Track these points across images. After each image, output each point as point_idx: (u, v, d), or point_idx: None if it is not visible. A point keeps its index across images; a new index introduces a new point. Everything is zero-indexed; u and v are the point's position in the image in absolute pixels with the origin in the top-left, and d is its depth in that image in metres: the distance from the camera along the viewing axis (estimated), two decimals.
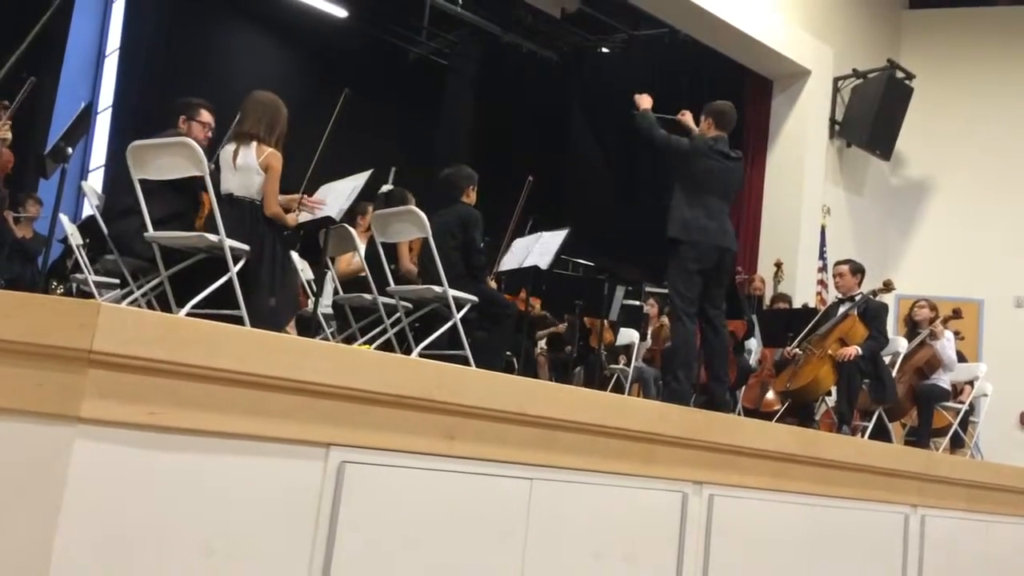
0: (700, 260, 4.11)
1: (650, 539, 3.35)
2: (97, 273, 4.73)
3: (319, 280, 4.68)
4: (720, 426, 3.66)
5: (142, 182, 3.61)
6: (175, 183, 3.69)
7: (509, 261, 5.05)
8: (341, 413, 2.43)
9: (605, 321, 6.10)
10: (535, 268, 4.71)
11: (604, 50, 10.65)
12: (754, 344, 6.61)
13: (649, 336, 7.01)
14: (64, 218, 5.09)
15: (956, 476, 5.00)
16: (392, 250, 4.71)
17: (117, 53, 10.93)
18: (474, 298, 4.28)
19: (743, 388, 6.48)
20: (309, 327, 4.64)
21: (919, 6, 10.01)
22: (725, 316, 4.42)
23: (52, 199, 4.28)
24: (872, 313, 5.71)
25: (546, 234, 4.87)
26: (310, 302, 4.94)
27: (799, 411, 5.96)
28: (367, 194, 4.59)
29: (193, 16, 10.21)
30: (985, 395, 6.65)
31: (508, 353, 5.16)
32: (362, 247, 4.60)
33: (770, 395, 6.42)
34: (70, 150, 4.22)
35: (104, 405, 2.00)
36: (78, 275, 5.04)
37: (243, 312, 3.47)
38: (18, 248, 6.44)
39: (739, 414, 5.96)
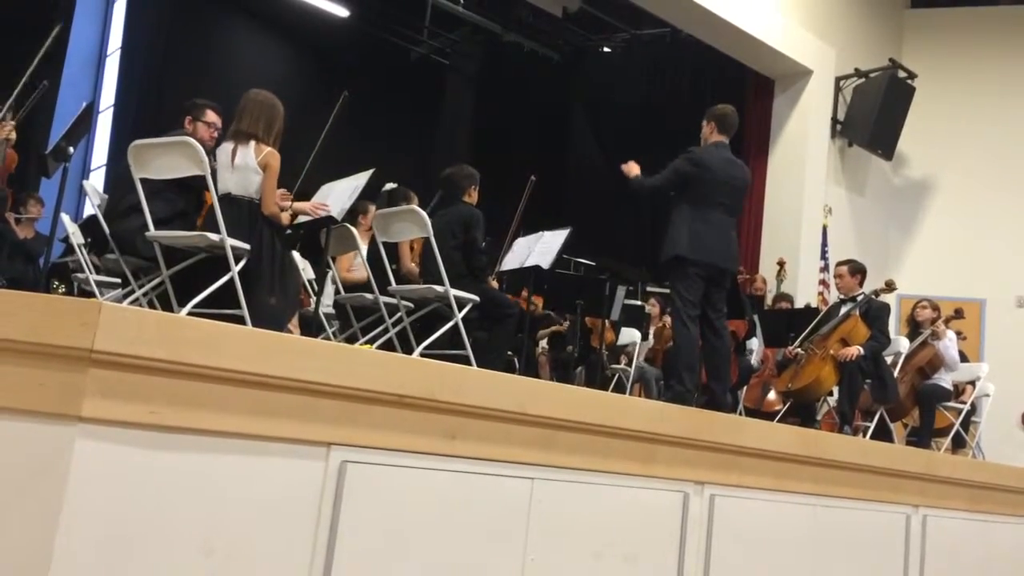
0: (700, 268, 4.12)
1: (651, 539, 3.35)
2: (98, 272, 4.73)
3: (320, 280, 4.68)
4: (721, 426, 3.66)
5: (146, 182, 3.62)
6: (179, 183, 3.70)
7: (510, 261, 5.05)
8: (342, 413, 2.43)
9: (606, 321, 6.09)
10: (536, 268, 4.70)
11: (605, 49, 10.66)
12: (755, 344, 6.61)
13: (651, 336, 7.00)
14: (65, 217, 5.09)
15: (958, 476, 5.00)
16: (393, 250, 4.71)
17: (118, 53, 10.95)
18: (475, 298, 4.27)
19: (744, 388, 6.47)
20: (311, 327, 4.64)
21: (921, 6, 10.00)
22: (726, 318, 4.41)
23: (54, 198, 4.29)
24: (874, 313, 5.70)
25: (547, 234, 4.86)
26: (312, 301, 4.94)
27: (801, 411, 5.95)
28: (369, 194, 4.59)
29: (194, 16, 10.22)
30: (987, 395, 6.64)
31: (509, 353, 5.16)
32: (364, 247, 4.60)
33: (772, 395, 6.41)
34: (71, 149, 4.22)
35: (105, 404, 2.00)
36: (79, 274, 5.04)
37: (244, 311, 3.47)
38: (20, 248, 6.45)
39: (740, 414, 5.96)
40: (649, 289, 7.59)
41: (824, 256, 8.78)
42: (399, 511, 2.56)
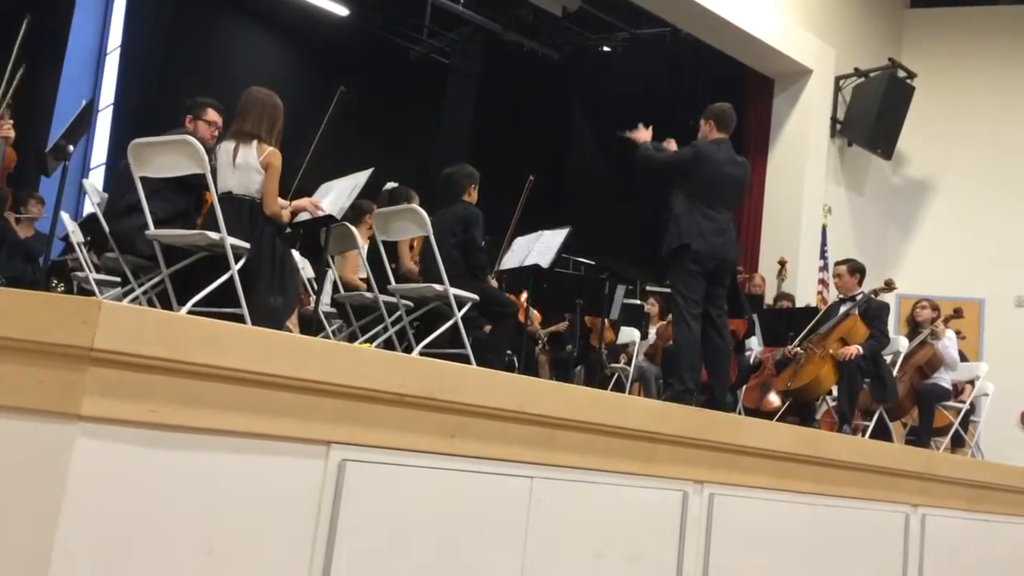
0: (701, 263, 4.13)
1: (651, 538, 3.35)
2: (98, 271, 4.73)
3: (320, 279, 4.68)
4: (721, 425, 3.66)
5: (147, 181, 3.62)
6: (180, 182, 3.69)
7: (510, 260, 5.05)
8: (342, 411, 2.43)
9: (606, 320, 6.09)
10: (536, 267, 4.70)
11: (605, 49, 10.65)
12: (755, 342, 6.61)
13: (655, 333, 6.99)
14: (65, 216, 5.09)
15: (957, 476, 5.00)
16: (392, 249, 4.71)
17: (118, 51, 10.94)
18: (475, 297, 4.28)
19: (744, 387, 6.47)
20: (310, 325, 4.64)
21: (921, 5, 10.00)
22: (727, 316, 4.42)
23: (53, 197, 4.28)
24: (873, 313, 5.70)
25: (547, 233, 4.86)
26: (312, 300, 4.94)
27: (800, 410, 5.95)
28: (369, 193, 4.59)
29: (194, 14, 10.21)
30: (986, 395, 6.65)
31: (508, 352, 5.16)
32: (364, 246, 4.60)
33: (771, 395, 6.41)
34: (71, 148, 4.22)
35: (105, 403, 2.00)
36: (79, 273, 5.04)
37: (244, 310, 3.47)
38: (20, 247, 6.44)
39: (740, 414, 5.96)
40: (649, 288, 7.59)
41: (823, 255, 8.78)
42: (399, 510, 2.56)
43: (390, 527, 2.54)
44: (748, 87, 9.28)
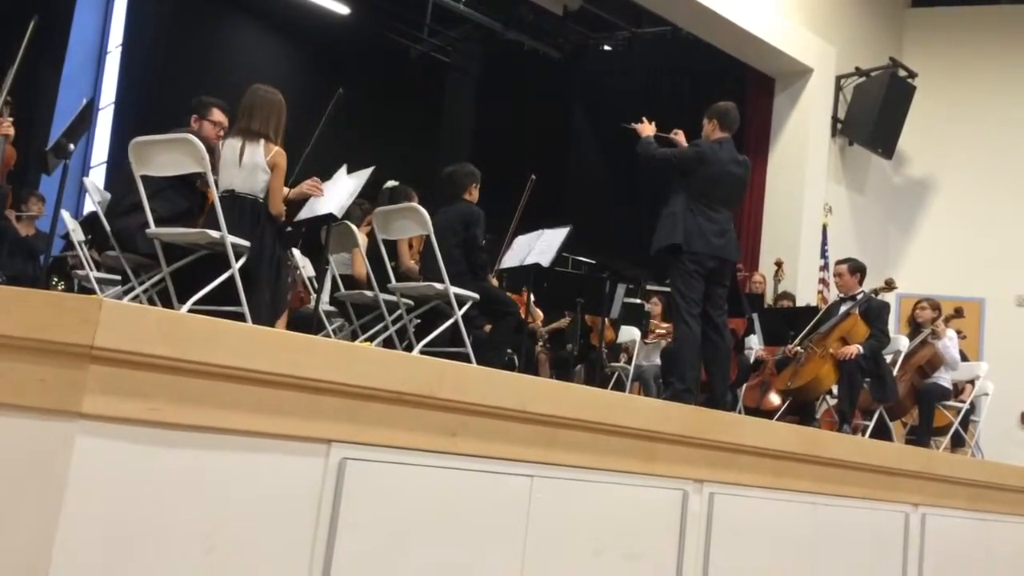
0: (700, 264, 4.12)
1: (651, 537, 3.35)
2: (99, 269, 4.73)
3: (320, 277, 4.68)
4: (721, 424, 3.66)
5: (152, 181, 3.62)
6: (185, 183, 3.69)
7: (510, 259, 5.05)
8: (342, 410, 2.43)
9: (606, 319, 6.09)
10: (536, 266, 4.71)
11: (606, 48, 10.64)
12: (755, 341, 6.61)
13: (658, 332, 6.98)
14: (66, 214, 5.09)
15: (957, 475, 5.00)
16: (392, 248, 4.71)
17: (119, 50, 10.94)
18: (475, 295, 4.28)
19: (744, 386, 6.48)
20: (311, 324, 4.64)
21: (922, 4, 9.99)
22: (727, 316, 4.42)
23: (54, 195, 4.29)
24: (874, 312, 5.70)
25: (547, 232, 4.86)
26: (312, 298, 4.94)
27: (800, 410, 5.95)
28: (370, 192, 4.59)
29: (195, 13, 10.22)
30: (986, 394, 6.65)
31: (509, 351, 5.16)
32: (364, 244, 4.60)
33: (771, 394, 6.41)
34: (72, 146, 4.22)
35: (105, 401, 2.00)
36: (79, 271, 5.04)
37: (244, 309, 3.47)
38: (21, 245, 6.45)
39: (740, 413, 5.96)
40: (650, 288, 7.58)
41: (824, 255, 8.77)
42: (399, 508, 2.56)
43: (390, 525, 2.54)
44: (749, 86, 9.27)
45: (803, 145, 8.86)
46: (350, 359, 2.47)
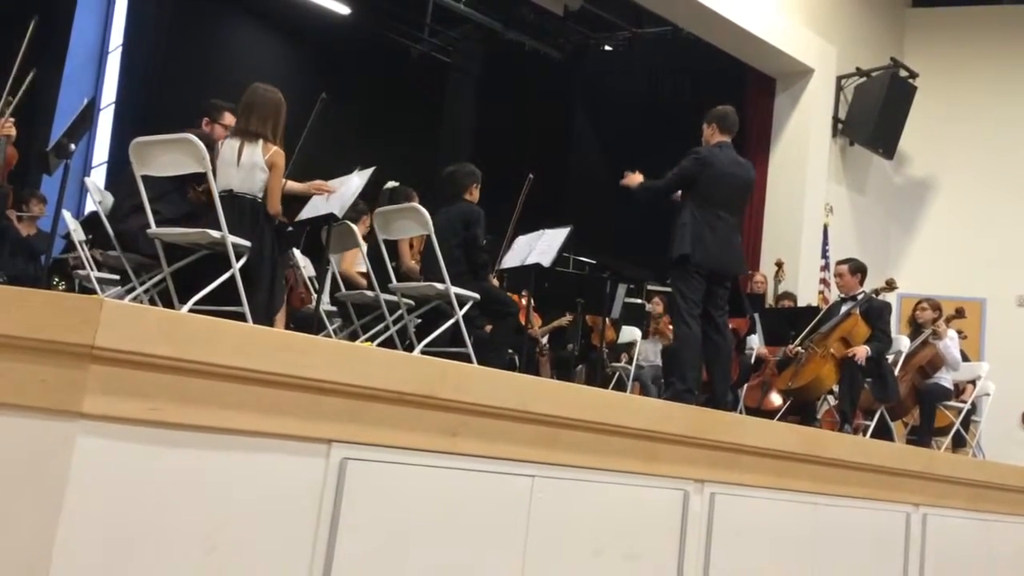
0: (700, 268, 4.12)
1: (651, 537, 3.35)
2: (99, 269, 4.73)
3: (321, 277, 4.68)
4: (722, 425, 3.66)
5: (158, 183, 3.62)
6: (190, 182, 3.69)
7: (511, 259, 5.05)
8: (343, 410, 2.43)
9: (607, 319, 6.09)
10: (537, 266, 4.71)
11: (607, 48, 10.64)
12: (756, 341, 6.61)
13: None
14: (66, 214, 5.09)
15: (958, 475, 5.00)
16: (393, 247, 4.71)
17: (120, 49, 10.94)
18: (476, 296, 4.28)
19: (745, 386, 6.47)
20: (311, 324, 4.64)
21: (922, 4, 9.99)
22: (728, 316, 4.42)
23: (55, 195, 4.29)
24: (875, 313, 5.70)
25: (548, 232, 4.86)
26: (313, 299, 4.94)
27: (801, 410, 5.95)
28: (370, 192, 4.59)
29: (195, 13, 10.22)
30: (987, 394, 6.64)
31: (510, 351, 5.16)
32: (364, 244, 4.60)
33: (772, 394, 6.41)
34: (73, 146, 4.22)
35: (106, 401, 2.00)
36: (80, 271, 5.04)
37: (245, 309, 3.47)
38: (22, 245, 6.46)
39: (741, 413, 5.96)
40: (651, 288, 7.59)
41: (825, 255, 8.77)
42: (400, 509, 2.56)
43: (391, 526, 2.54)
44: (750, 86, 9.27)
45: (804, 145, 8.85)
46: (351, 359, 2.46)
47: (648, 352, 6.90)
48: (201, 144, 3.49)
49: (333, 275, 4.96)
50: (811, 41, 8.84)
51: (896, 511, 4.59)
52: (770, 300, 7.42)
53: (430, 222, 4.15)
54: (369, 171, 4.09)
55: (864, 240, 9.13)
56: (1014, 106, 9.36)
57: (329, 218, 4.05)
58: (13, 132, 4.56)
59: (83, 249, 4.88)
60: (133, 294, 3.84)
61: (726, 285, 4.31)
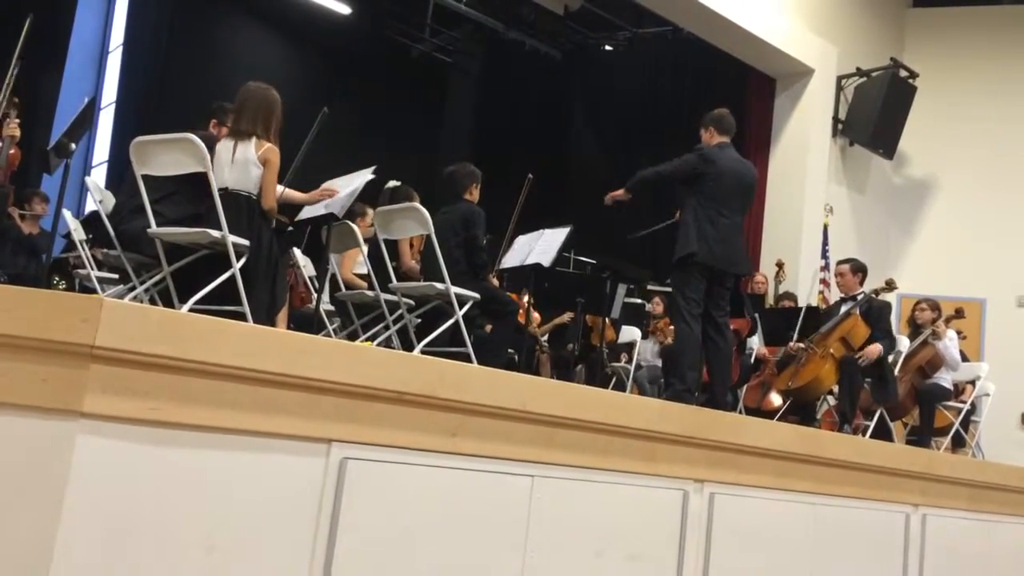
0: (702, 267, 4.12)
1: (651, 537, 3.35)
2: (100, 268, 4.73)
3: (321, 277, 4.68)
4: (722, 425, 3.67)
5: (163, 184, 3.62)
6: (195, 187, 3.69)
7: (511, 259, 5.05)
8: (343, 409, 2.43)
9: (607, 319, 6.09)
10: (537, 266, 4.71)
11: (607, 48, 10.64)
12: (755, 341, 6.61)
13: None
14: (67, 213, 5.09)
15: (957, 476, 5.00)
16: (393, 247, 4.71)
17: (120, 48, 10.95)
18: (476, 296, 4.28)
19: (744, 386, 6.47)
20: (311, 324, 4.64)
21: (923, 5, 9.99)
22: (729, 316, 4.41)
23: (55, 194, 4.29)
24: (876, 313, 5.70)
25: (548, 231, 4.86)
26: (313, 298, 4.94)
27: (800, 410, 5.95)
28: (371, 192, 4.59)
29: (196, 12, 10.22)
30: (987, 395, 6.64)
31: (510, 351, 5.16)
32: (365, 245, 4.60)
33: (772, 394, 6.41)
34: (73, 146, 4.22)
35: (106, 400, 2.00)
36: (81, 270, 5.04)
37: (245, 308, 3.47)
38: (24, 243, 6.46)
39: (740, 413, 5.96)
40: (651, 288, 7.58)
41: (825, 255, 8.77)
42: (400, 508, 2.56)
43: (391, 525, 2.55)
44: (750, 86, 9.27)
45: (804, 145, 8.86)
46: (351, 359, 2.47)
47: (647, 352, 6.90)
48: (201, 144, 3.49)
49: (333, 275, 4.96)
50: (811, 41, 8.84)
51: (895, 511, 4.59)
52: (771, 300, 7.42)
53: (430, 222, 4.15)
54: (369, 171, 4.09)
55: (864, 240, 9.12)
56: (1014, 106, 9.36)
57: (329, 218, 4.05)
58: (18, 133, 4.57)
59: (83, 248, 4.88)
60: (133, 293, 3.84)
61: (728, 286, 4.31)
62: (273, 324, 3.77)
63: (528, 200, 5.91)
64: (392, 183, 5.27)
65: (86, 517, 1.98)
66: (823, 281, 8.67)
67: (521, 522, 2.87)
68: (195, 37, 10.22)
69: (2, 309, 2.02)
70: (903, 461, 4.68)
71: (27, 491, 1.98)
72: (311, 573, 2.38)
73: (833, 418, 5.98)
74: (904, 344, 6.20)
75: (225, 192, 3.70)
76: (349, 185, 4.05)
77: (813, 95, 8.90)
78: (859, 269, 5.91)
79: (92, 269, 4.74)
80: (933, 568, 4.72)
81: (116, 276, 4.47)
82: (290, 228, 4.03)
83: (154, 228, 3.58)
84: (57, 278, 6.33)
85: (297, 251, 5.34)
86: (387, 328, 4.40)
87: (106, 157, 10.50)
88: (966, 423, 6.60)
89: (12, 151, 4.58)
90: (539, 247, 4.79)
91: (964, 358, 6.67)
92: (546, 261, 4.66)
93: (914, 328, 6.42)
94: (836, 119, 9.09)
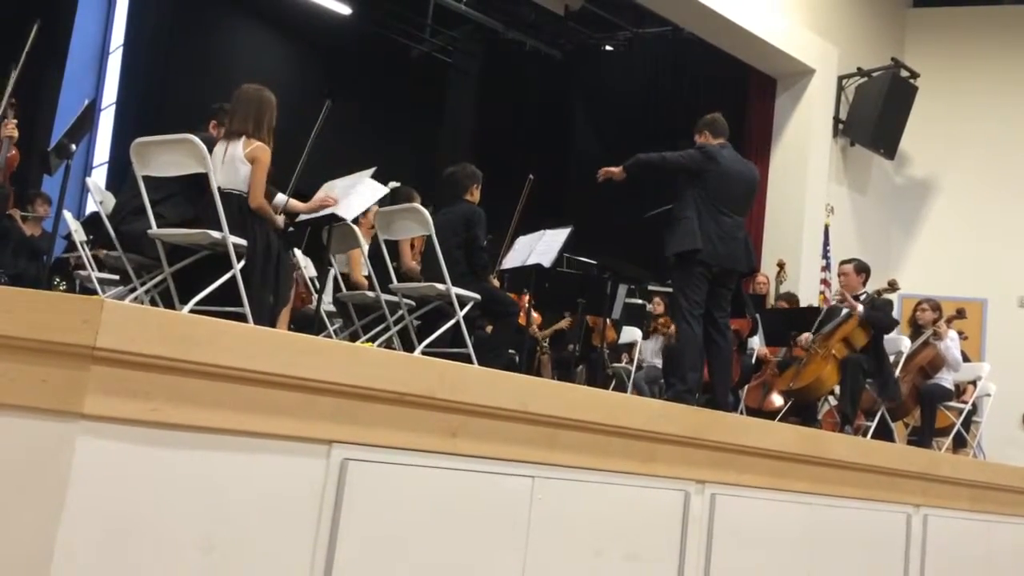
0: (706, 266, 4.11)
1: (652, 538, 3.35)
2: (100, 269, 4.73)
3: (322, 278, 4.68)
4: (722, 425, 3.66)
5: (164, 185, 3.62)
6: (197, 189, 3.69)
7: (512, 259, 5.04)
8: (343, 410, 2.43)
9: (607, 320, 6.08)
10: (538, 266, 4.70)
11: (607, 48, 10.64)
12: (756, 342, 6.60)
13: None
14: (68, 214, 5.09)
15: (959, 476, 5.00)
16: (393, 248, 4.71)
17: (121, 50, 10.96)
18: (477, 296, 4.27)
19: (746, 387, 6.47)
20: (312, 325, 4.64)
21: (923, 5, 9.99)
22: (730, 317, 4.40)
23: (56, 195, 4.29)
24: (879, 305, 5.69)
25: (549, 232, 4.86)
26: (314, 299, 4.94)
27: (802, 410, 5.95)
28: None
29: (196, 13, 10.23)
30: (988, 395, 6.64)
31: (511, 351, 5.16)
32: (366, 245, 4.60)
33: (773, 395, 6.41)
34: (74, 147, 4.22)
35: (107, 401, 2.00)
36: (81, 271, 5.04)
37: (246, 309, 3.47)
38: (26, 245, 6.46)
39: (741, 413, 5.96)
40: (652, 288, 7.58)
41: (826, 255, 8.77)
42: (400, 509, 2.56)
43: (391, 526, 2.54)
44: (750, 87, 9.27)
45: (805, 146, 8.85)
46: (351, 360, 2.47)
47: (648, 351, 6.90)
48: (201, 144, 3.48)
49: (334, 275, 4.96)
50: (812, 41, 8.84)
51: (897, 512, 4.59)
52: (772, 301, 7.42)
53: (431, 222, 4.14)
54: (368, 172, 4.09)
55: (865, 240, 9.12)
56: (1015, 106, 9.35)
57: (331, 218, 4.05)
58: (16, 134, 4.57)
59: (84, 249, 4.88)
60: (134, 294, 3.84)
61: (730, 286, 4.30)
62: (274, 323, 3.76)
63: (528, 200, 5.91)
64: (392, 183, 5.27)
65: (86, 518, 1.98)
66: (824, 281, 8.67)
67: (522, 523, 2.87)
68: (195, 38, 10.24)
69: (2, 310, 2.02)
70: (904, 461, 4.67)
71: (28, 492, 1.98)
72: (312, 573, 2.38)
73: (834, 419, 5.97)
74: (905, 344, 6.19)
75: (218, 191, 3.69)
76: (351, 188, 4.04)
77: (814, 95, 8.90)
78: (863, 269, 5.91)
79: (93, 270, 4.74)
80: (934, 569, 4.71)
81: (117, 277, 4.47)
82: (291, 228, 4.02)
83: (155, 229, 3.58)
84: (58, 279, 6.33)
85: (298, 251, 5.34)
86: (388, 329, 4.40)
87: (107, 158, 10.52)
88: (967, 423, 6.59)
89: (11, 152, 4.59)
90: (540, 248, 4.79)
91: (965, 358, 6.67)
92: (547, 262, 4.66)
93: (915, 328, 6.42)
94: (837, 119, 9.09)
